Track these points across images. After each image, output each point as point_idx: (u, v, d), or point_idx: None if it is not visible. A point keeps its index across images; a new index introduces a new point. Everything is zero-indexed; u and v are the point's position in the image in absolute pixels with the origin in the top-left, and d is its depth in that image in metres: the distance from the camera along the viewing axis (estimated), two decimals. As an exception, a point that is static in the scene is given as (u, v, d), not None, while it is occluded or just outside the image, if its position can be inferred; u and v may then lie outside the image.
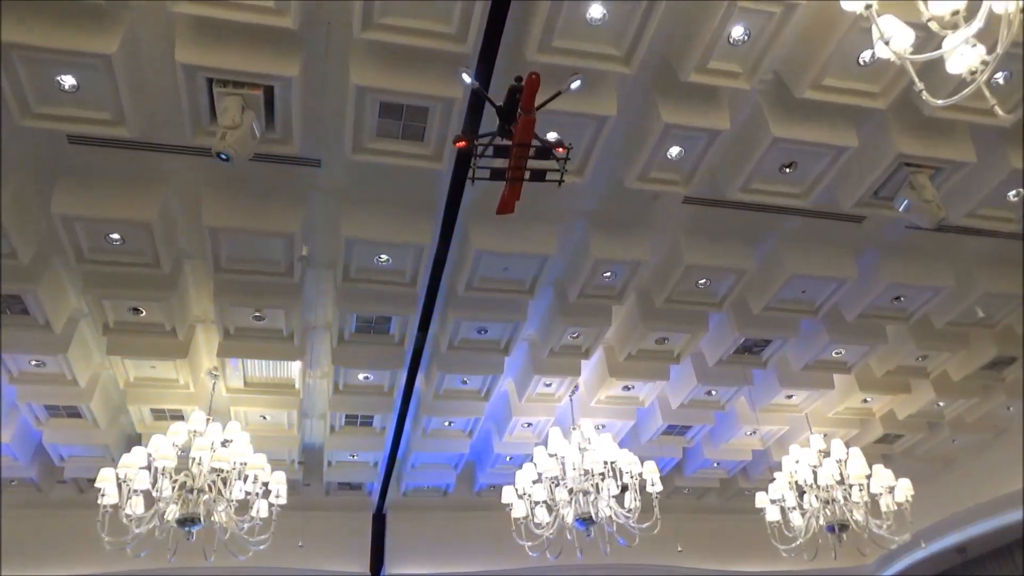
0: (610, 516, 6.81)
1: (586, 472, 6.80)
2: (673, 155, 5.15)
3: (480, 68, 4.24)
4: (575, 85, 3.83)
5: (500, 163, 4.20)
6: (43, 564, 8.72)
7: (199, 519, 6.21)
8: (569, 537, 7.05)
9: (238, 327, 6.57)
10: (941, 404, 8.74)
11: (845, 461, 7.24)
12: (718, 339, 7.41)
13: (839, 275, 6.43)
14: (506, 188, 4.36)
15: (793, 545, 7.51)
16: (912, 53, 2.88)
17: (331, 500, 9.93)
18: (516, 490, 7.35)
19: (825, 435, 7.89)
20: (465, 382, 7.67)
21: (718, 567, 10.55)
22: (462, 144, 4.07)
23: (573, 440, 7.17)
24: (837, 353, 7.58)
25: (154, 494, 6.24)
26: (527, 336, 7.40)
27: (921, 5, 2.84)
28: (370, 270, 5.94)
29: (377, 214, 5.61)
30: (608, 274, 6.22)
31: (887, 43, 2.85)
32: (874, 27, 2.89)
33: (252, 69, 4.31)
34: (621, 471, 6.82)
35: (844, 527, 7.10)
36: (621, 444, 8.22)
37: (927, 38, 3.81)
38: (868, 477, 7.14)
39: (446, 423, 8.45)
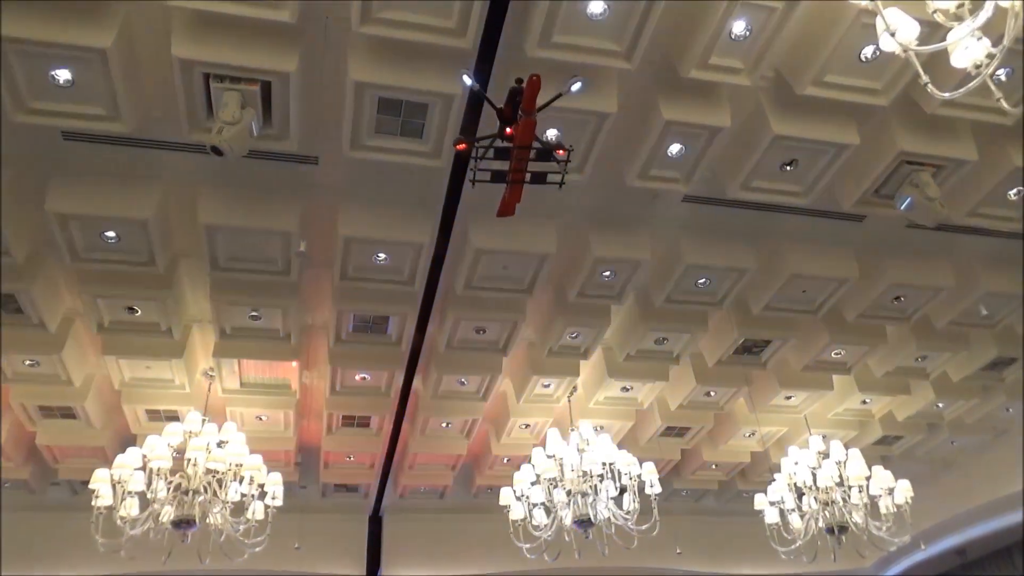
0: (609, 518, 6.76)
1: (584, 473, 6.76)
2: (673, 153, 5.12)
3: (480, 64, 4.21)
4: (575, 87, 3.80)
5: (500, 165, 4.16)
6: (35, 567, 8.66)
7: (194, 521, 6.14)
8: (567, 539, 7.00)
9: (234, 327, 6.52)
10: (940, 405, 8.72)
11: (844, 462, 7.21)
12: (717, 339, 7.37)
13: (840, 275, 6.40)
14: (507, 190, 4.33)
15: (792, 547, 7.48)
16: (917, 46, 2.85)
17: (327, 502, 9.88)
18: (514, 492, 7.31)
19: (824, 436, 7.87)
20: (463, 382, 7.62)
21: (717, 569, 10.51)
22: (462, 147, 4.04)
23: (572, 441, 7.12)
24: (837, 353, 7.55)
25: (149, 495, 6.18)
26: (525, 336, 7.35)
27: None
28: (368, 269, 5.90)
29: (375, 212, 5.57)
30: (607, 273, 6.18)
31: (893, 34, 2.82)
32: (879, 19, 2.86)
33: (249, 64, 4.27)
34: (620, 472, 6.78)
35: (843, 529, 7.07)
36: (619, 446, 8.17)
37: (929, 34, 3.80)
38: (867, 478, 7.11)
39: (444, 424, 8.39)
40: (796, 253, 6.34)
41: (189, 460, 6.20)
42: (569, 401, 8.15)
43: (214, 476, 6.31)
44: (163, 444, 6.23)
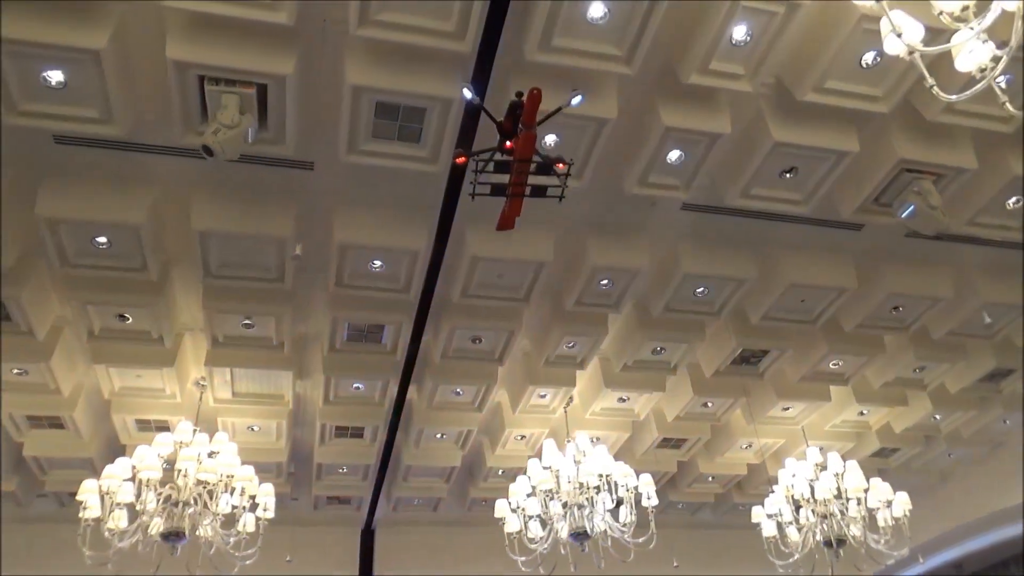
0: (605, 530, 6.68)
1: (581, 485, 6.67)
2: (673, 159, 5.08)
3: (479, 68, 4.16)
4: (576, 101, 3.79)
5: (500, 178, 4.12)
6: (21, 580, 8.50)
7: (184, 533, 6.03)
8: (563, 552, 6.91)
9: (227, 335, 6.43)
10: (938, 417, 8.67)
11: (842, 475, 7.15)
12: (715, 349, 7.32)
13: (839, 284, 6.37)
14: (506, 204, 4.29)
15: (790, 560, 7.41)
16: (922, 48, 2.83)
17: (320, 514, 9.75)
18: (509, 504, 7.21)
19: (821, 448, 7.81)
20: (458, 392, 7.54)
21: (714, 583, 10.42)
22: (462, 160, 4.01)
23: (568, 452, 7.04)
24: (834, 364, 7.51)
25: (138, 507, 6.06)
26: (521, 346, 7.29)
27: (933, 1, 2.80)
28: (363, 276, 5.82)
29: (371, 218, 5.51)
30: (605, 282, 6.13)
31: (899, 35, 2.80)
32: (884, 21, 2.84)
33: (245, 66, 4.21)
34: (616, 484, 6.71)
35: (841, 542, 7.00)
36: (615, 458, 8.09)
37: (931, 40, 3.78)
38: (866, 491, 7.05)
39: (438, 435, 8.30)
40: (794, 262, 6.30)
41: (179, 471, 6.09)
42: (565, 412, 8.08)
43: (205, 487, 6.20)
44: (153, 454, 6.12)
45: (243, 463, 6.60)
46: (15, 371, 6.56)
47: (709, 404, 8.12)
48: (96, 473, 6.48)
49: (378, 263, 5.71)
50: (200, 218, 5.26)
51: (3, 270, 5.42)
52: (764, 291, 6.50)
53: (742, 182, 5.31)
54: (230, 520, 6.56)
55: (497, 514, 7.32)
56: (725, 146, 5.09)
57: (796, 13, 4.22)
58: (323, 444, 8.18)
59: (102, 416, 7.53)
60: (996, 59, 2.86)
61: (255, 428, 7.83)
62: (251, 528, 6.72)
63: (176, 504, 6.04)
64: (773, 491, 7.55)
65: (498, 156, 3.96)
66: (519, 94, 3.65)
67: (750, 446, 9.04)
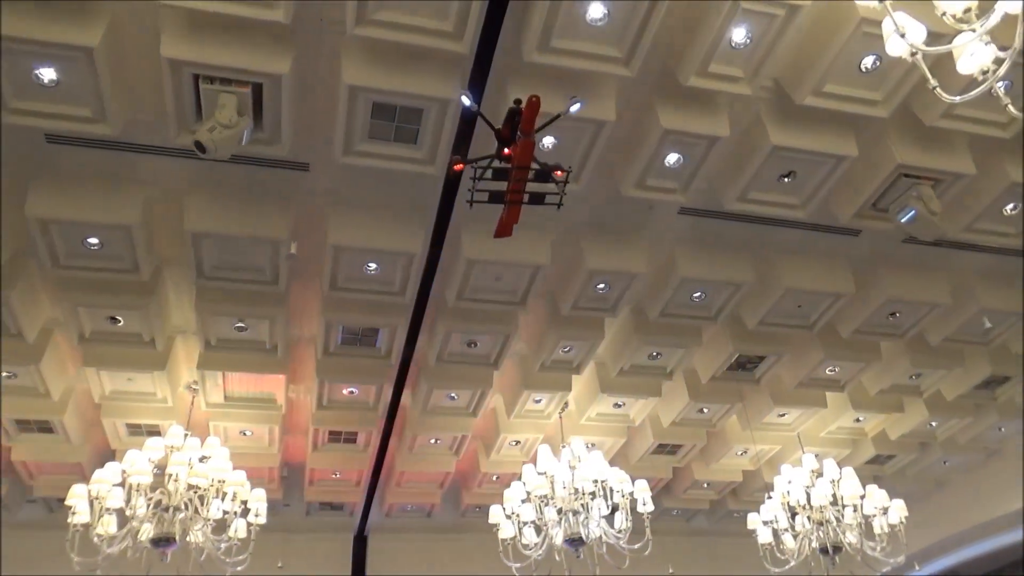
0: (600, 536, 6.62)
1: (576, 491, 6.62)
2: (671, 162, 5.05)
3: (476, 69, 4.13)
4: (575, 108, 3.79)
5: (498, 185, 4.08)
6: (8, 587, 8.38)
7: (174, 539, 5.94)
8: (558, 558, 6.84)
9: (220, 338, 6.36)
10: (934, 424, 8.66)
11: (838, 481, 7.12)
12: (711, 355, 7.29)
13: (836, 289, 6.35)
14: (504, 211, 4.26)
15: (786, 567, 7.36)
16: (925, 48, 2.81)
17: (312, 520, 9.67)
18: (504, 509, 7.15)
19: (817, 455, 7.78)
20: (453, 397, 7.48)
21: (709, 590, 10.36)
22: (459, 167, 3.98)
23: (563, 458, 6.99)
24: (831, 370, 7.48)
25: (128, 512, 5.97)
26: (517, 350, 7.23)
27: (935, 1, 2.78)
28: (358, 279, 5.77)
29: (366, 220, 5.46)
30: (602, 285, 6.09)
31: (903, 35, 2.78)
32: (887, 21, 2.83)
33: (240, 65, 4.17)
34: (612, 490, 6.65)
35: (837, 549, 6.97)
36: (611, 463, 8.04)
37: (933, 42, 3.76)
38: (862, 497, 7.03)
39: (432, 440, 8.23)
40: (792, 267, 6.28)
41: (170, 476, 6.00)
42: (560, 417, 8.03)
43: (196, 492, 6.11)
44: (143, 459, 6.05)
45: (235, 468, 6.53)
46: (4, 374, 6.46)
47: (705, 410, 8.09)
48: (86, 478, 6.39)
49: (373, 266, 5.66)
50: (193, 219, 5.20)
51: (-7, 271, 5.36)
52: (761, 296, 6.47)
53: (740, 186, 5.29)
54: (221, 526, 6.48)
55: (491, 520, 7.26)
56: (723, 149, 5.07)
57: (796, 16, 4.21)
58: (316, 449, 8.10)
59: (92, 420, 7.45)
60: (998, 61, 2.85)
61: (247, 433, 7.75)
62: (242, 534, 6.64)
63: (167, 509, 5.95)
64: (769, 498, 7.51)
65: (496, 163, 3.94)
66: (517, 101, 3.64)
67: (746, 452, 9.01)
